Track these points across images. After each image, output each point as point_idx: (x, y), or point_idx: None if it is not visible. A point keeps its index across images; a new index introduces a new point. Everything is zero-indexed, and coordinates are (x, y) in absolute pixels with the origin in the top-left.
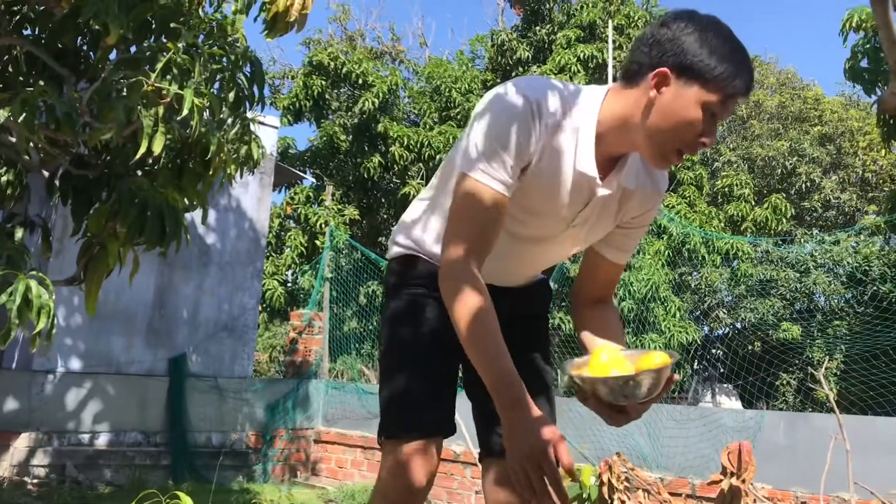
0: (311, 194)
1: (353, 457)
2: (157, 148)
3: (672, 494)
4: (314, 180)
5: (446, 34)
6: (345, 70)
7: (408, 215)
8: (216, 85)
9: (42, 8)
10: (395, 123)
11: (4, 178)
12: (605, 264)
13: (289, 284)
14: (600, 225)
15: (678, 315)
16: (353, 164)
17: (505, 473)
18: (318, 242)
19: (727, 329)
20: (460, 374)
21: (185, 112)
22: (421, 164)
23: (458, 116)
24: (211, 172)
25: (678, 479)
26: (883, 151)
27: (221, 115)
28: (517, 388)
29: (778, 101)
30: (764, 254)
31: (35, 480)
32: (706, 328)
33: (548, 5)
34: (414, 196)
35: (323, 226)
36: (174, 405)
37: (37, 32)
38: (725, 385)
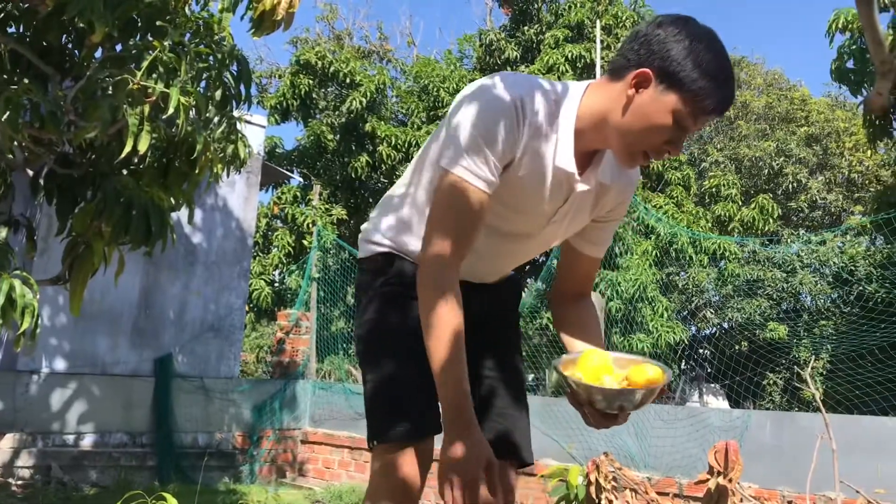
0: (298, 194)
1: (341, 457)
2: (143, 147)
3: (659, 494)
4: (301, 180)
5: (434, 33)
6: (332, 69)
7: (380, 212)
8: (202, 83)
9: (26, 5)
10: (382, 123)
11: None
12: (582, 259)
13: (276, 284)
14: (577, 220)
15: (666, 315)
16: (340, 163)
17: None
18: (305, 242)
19: (714, 329)
20: None
21: (171, 111)
22: (409, 164)
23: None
24: (197, 171)
25: (665, 479)
26: (869, 152)
27: (208, 114)
28: (468, 412)
29: (765, 102)
30: (751, 254)
31: (19, 482)
32: (693, 328)
33: (536, 5)
34: None
35: (310, 225)
36: (160, 406)
37: (21, 30)
38: (713, 385)
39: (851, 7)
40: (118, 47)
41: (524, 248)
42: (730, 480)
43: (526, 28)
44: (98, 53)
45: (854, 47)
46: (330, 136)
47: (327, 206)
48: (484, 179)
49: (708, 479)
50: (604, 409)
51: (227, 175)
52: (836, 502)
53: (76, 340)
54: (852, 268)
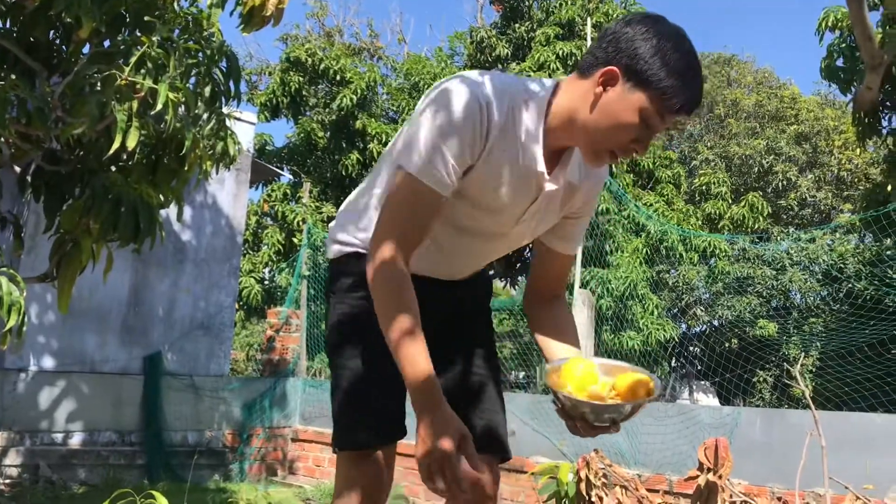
0: (288, 191)
1: (331, 455)
2: (131, 143)
3: (649, 491)
4: (291, 177)
5: (425, 31)
6: (322, 66)
7: (348, 210)
8: (191, 80)
9: (13, 1)
10: (373, 120)
11: None
12: (554, 256)
13: (266, 282)
14: (547, 218)
15: (656, 313)
16: (330, 160)
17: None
18: (295, 240)
19: (704, 326)
20: None
21: (160, 107)
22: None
23: None
24: (186, 168)
25: (656, 476)
26: (858, 150)
27: (197, 111)
28: (433, 393)
29: (755, 100)
30: (741, 251)
31: (7, 480)
32: (684, 326)
33: (527, 2)
34: None
35: (300, 223)
36: (149, 404)
37: (8, 25)
38: (703, 382)
39: (841, 5)
40: (106, 43)
41: (494, 247)
42: (720, 477)
43: (517, 25)
44: (86, 49)
45: (843, 45)
46: (320, 134)
47: (317, 204)
48: (438, 180)
49: (698, 476)
50: (593, 422)
51: (217, 172)
52: (826, 498)
53: (64, 338)
54: (841, 265)
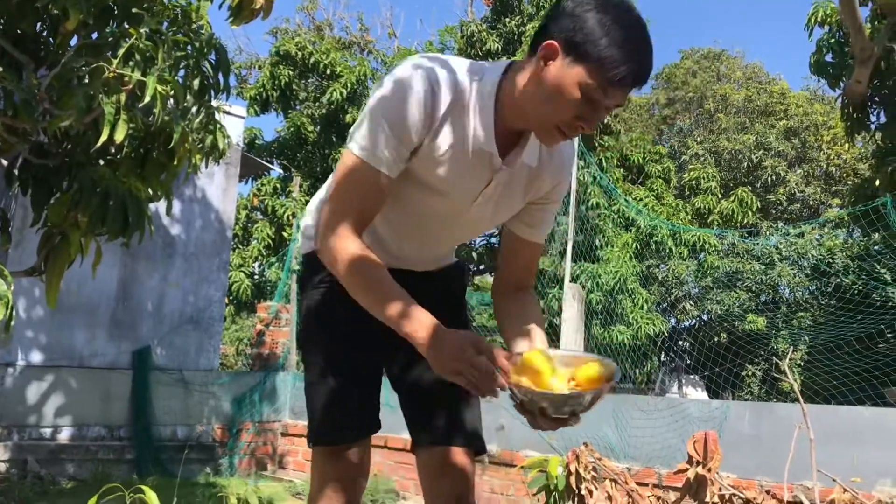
0: (278, 185)
1: None
2: (120, 136)
3: (639, 484)
4: (281, 171)
5: (415, 25)
6: (312, 60)
7: (316, 207)
8: (180, 72)
9: None
10: None
11: None
12: (520, 245)
13: (256, 277)
14: (508, 203)
15: (646, 307)
16: (320, 155)
17: (440, 462)
18: (285, 234)
19: (694, 321)
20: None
21: (148, 99)
22: None
23: None
24: (175, 162)
25: (645, 469)
26: (847, 146)
27: (186, 104)
28: (430, 328)
29: (744, 96)
30: (730, 246)
31: None
32: (673, 320)
33: None
34: None
35: (290, 217)
36: (138, 398)
37: None
38: (692, 376)
39: (830, 0)
40: (94, 35)
41: (452, 232)
42: (709, 470)
43: (507, 20)
44: (73, 41)
45: (833, 40)
46: (310, 128)
47: (307, 198)
48: (383, 161)
49: (687, 469)
50: (552, 415)
51: (206, 166)
52: (814, 491)
53: (53, 332)
54: (830, 260)
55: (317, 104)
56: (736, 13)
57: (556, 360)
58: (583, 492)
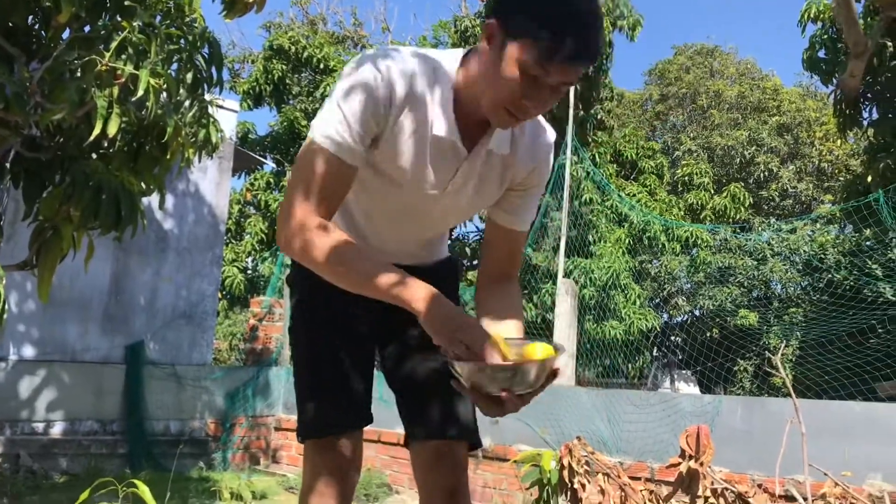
0: (271, 180)
1: None
2: (112, 130)
3: (631, 478)
4: (274, 166)
5: (409, 19)
6: (306, 54)
7: None
8: (173, 66)
9: None
10: None
11: None
12: (501, 233)
13: (249, 271)
14: (484, 191)
15: (638, 302)
16: None
17: (434, 455)
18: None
19: (686, 316)
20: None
21: (141, 93)
22: None
23: None
24: (168, 156)
25: (637, 463)
26: (839, 142)
27: (179, 97)
28: (423, 296)
29: (737, 92)
30: (722, 242)
31: None
32: (665, 315)
33: None
34: None
35: None
36: (131, 393)
37: None
38: (684, 371)
39: None
40: (86, 28)
41: (428, 223)
42: (701, 464)
43: None
44: (65, 34)
45: (826, 37)
46: (304, 122)
47: None
48: (344, 149)
49: (680, 463)
50: (488, 391)
51: (199, 160)
52: (805, 485)
53: (45, 327)
54: (822, 256)
55: (310, 99)
56: (729, 9)
57: (506, 343)
58: (575, 486)
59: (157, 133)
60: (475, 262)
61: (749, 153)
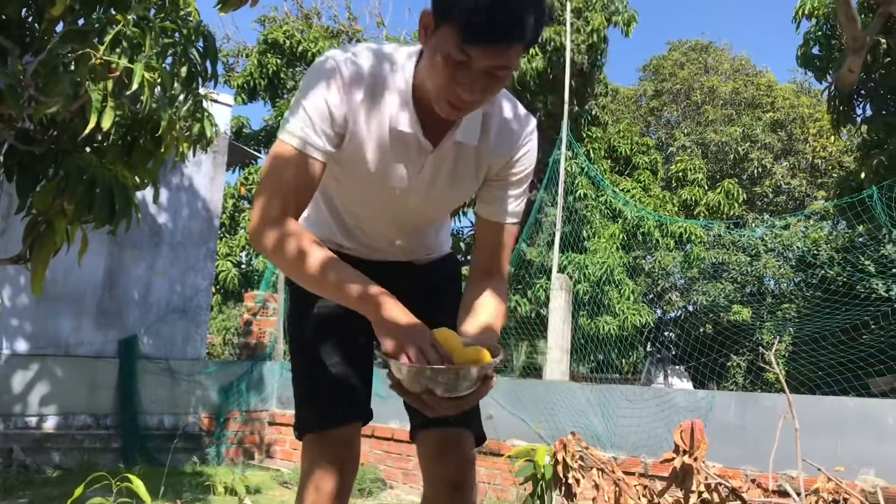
0: None
1: None
2: (107, 123)
3: (626, 473)
4: None
5: (404, 14)
6: (300, 49)
7: None
8: (168, 60)
9: None
10: None
11: None
12: (486, 226)
13: (243, 266)
14: (458, 183)
15: (632, 298)
16: None
17: (438, 445)
18: None
19: (680, 312)
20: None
21: (135, 86)
22: None
23: None
24: (162, 150)
25: (631, 458)
26: (832, 138)
27: (173, 91)
28: (380, 305)
29: (731, 88)
30: (716, 238)
31: None
32: (659, 311)
33: None
34: None
35: None
36: (125, 387)
37: None
38: (677, 367)
39: None
40: (80, 21)
41: (404, 218)
42: (695, 459)
43: None
44: (59, 27)
45: (820, 33)
46: None
47: None
48: (310, 145)
49: (674, 458)
50: (410, 389)
51: (194, 154)
52: (798, 480)
53: (38, 321)
54: (815, 252)
55: None
56: (723, 5)
57: (460, 342)
58: (570, 481)
59: (152, 127)
60: (469, 258)
61: (743, 149)
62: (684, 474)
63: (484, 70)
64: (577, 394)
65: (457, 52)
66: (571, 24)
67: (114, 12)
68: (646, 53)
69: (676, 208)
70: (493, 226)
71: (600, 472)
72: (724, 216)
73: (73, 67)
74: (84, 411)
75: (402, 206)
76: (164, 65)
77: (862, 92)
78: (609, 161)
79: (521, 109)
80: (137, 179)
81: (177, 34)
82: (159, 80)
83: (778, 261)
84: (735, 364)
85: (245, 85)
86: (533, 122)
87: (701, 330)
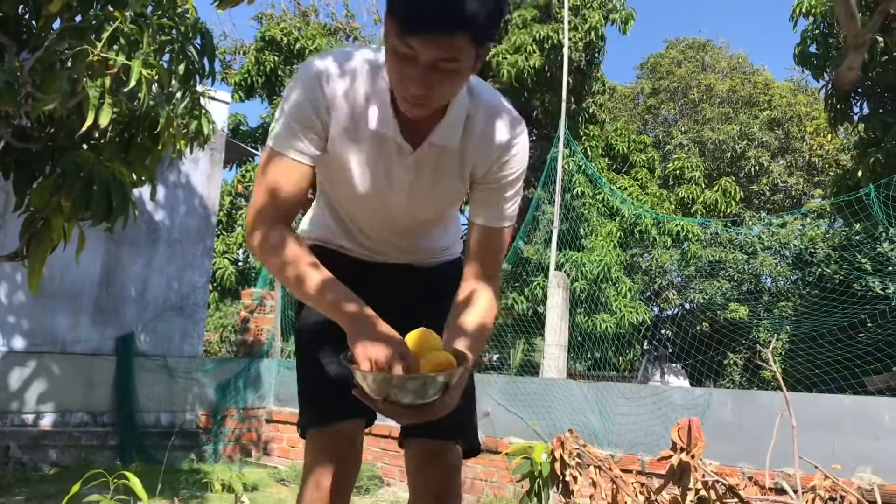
0: None
1: None
2: (104, 120)
3: (623, 471)
4: None
5: None
6: (298, 46)
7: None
8: (165, 57)
9: None
10: None
11: None
12: (476, 229)
13: (240, 263)
14: (442, 186)
15: (629, 296)
16: None
17: (425, 456)
18: None
19: (677, 309)
20: None
21: (133, 83)
22: None
23: None
24: (160, 147)
25: (628, 456)
26: (829, 136)
27: (171, 88)
28: (361, 323)
29: (729, 86)
30: (713, 236)
31: None
32: (656, 308)
33: None
34: None
35: None
36: (122, 385)
37: None
38: (674, 365)
39: None
40: (77, 18)
41: (395, 220)
42: (692, 457)
43: None
44: (56, 24)
45: (817, 31)
46: None
47: None
48: (297, 150)
49: (671, 456)
50: (369, 393)
51: (191, 151)
52: (795, 478)
53: (35, 318)
54: (812, 250)
55: None
56: (721, 4)
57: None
58: (567, 478)
59: (149, 124)
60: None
61: (740, 147)
62: (681, 472)
63: (430, 63)
64: (575, 391)
65: (400, 44)
66: (569, 21)
67: (111, 9)
68: (643, 51)
69: (673, 206)
70: (482, 229)
71: (597, 470)
72: (721, 214)
73: (70, 64)
74: (81, 409)
75: (388, 208)
76: (161, 62)
77: (859, 90)
78: (606, 159)
79: (509, 111)
80: (135, 176)
81: (174, 31)
82: (157, 77)
83: (775, 259)
84: (732, 362)
85: (242, 82)
86: (522, 124)
87: (698, 328)
